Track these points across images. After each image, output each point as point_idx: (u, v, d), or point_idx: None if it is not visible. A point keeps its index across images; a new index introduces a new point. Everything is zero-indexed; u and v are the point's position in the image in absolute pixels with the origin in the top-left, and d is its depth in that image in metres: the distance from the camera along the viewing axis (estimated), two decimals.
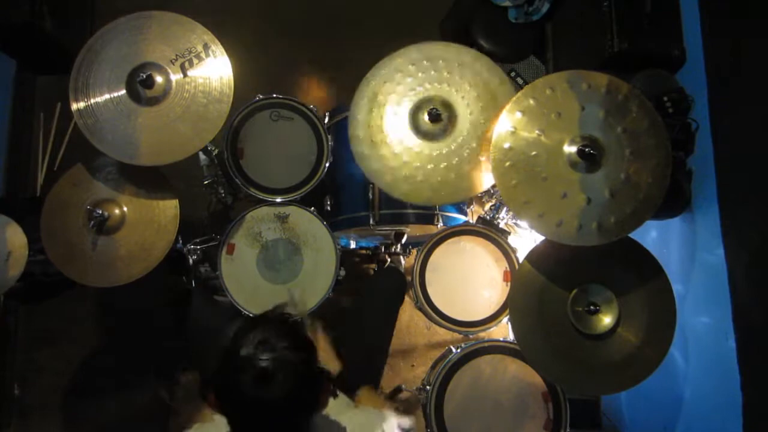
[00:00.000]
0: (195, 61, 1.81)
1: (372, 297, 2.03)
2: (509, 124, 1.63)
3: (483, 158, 1.72)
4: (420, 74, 1.77)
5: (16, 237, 1.89)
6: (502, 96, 1.73)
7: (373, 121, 1.75)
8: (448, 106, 1.75)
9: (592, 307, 1.68)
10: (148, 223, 1.88)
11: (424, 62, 1.77)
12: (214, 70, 1.81)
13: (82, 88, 1.79)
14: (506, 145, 1.62)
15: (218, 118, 1.79)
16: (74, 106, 1.78)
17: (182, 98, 1.80)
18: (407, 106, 1.76)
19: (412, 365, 2.60)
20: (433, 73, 1.77)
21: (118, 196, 1.90)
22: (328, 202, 2.19)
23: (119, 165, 1.89)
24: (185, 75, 1.81)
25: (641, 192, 1.58)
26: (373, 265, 2.62)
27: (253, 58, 2.76)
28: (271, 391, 1.07)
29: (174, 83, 1.80)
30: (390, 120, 1.75)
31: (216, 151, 2.17)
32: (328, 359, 1.69)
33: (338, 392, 1.44)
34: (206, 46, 1.81)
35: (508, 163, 1.61)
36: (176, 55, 1.81)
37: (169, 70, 1.81)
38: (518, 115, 1.63)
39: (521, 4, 2.62)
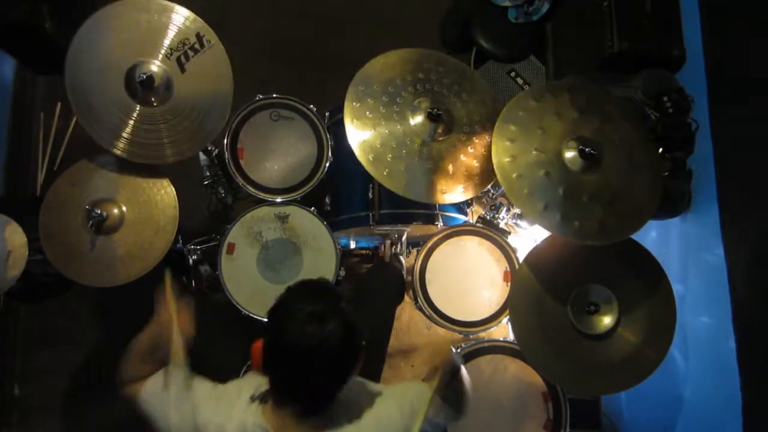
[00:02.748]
0: (190, 53, 1.78)
1: (369, 296, 2.02)
2: (510, 123, 1.64)
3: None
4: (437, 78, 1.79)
5: (16, 237, 1.88)
6: None
7: (371, 97, 1.75)
8: (448, 111, 1.75)
9: (592, 307, 1.68)
10: (147, 223, 1.88)
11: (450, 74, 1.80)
12: (211, 60, 1.80)
13: (80, 87, 1.78)
14: (507, 143, 1.62)
15: (222, 110, 1.79)
16: (74, 108, 1.77)
17: (183, 94, 1.79)
18: (410, 94, 1.76)
19: (412, 365, 2.60)
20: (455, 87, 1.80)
21: (117, 195, 1.89)
22: (328, 202, 2.19)
23: (118, 164, 1.89)
24: (183, 70, 1.79)
25: (641, 193, 1.58)
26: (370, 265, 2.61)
27: (254, 58, 2.76)
28: (322, 335, 1.07)
29: (173, 79, 1.79)
30: (388, 103, 1.75)
31: (216, 151, 2.17)
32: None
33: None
34: (199, 36, 1.78)
35: (514, 175, 1.61)
36: (171, 49, 1.79)
37: (166, 68, 1.79)
38: (520, 113, 1.64)
39: (521, 4, 2.62)
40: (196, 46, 1.78)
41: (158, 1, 1.79)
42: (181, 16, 1.80)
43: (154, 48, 1.79)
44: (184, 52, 1.77)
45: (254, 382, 1.25)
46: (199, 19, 1.81)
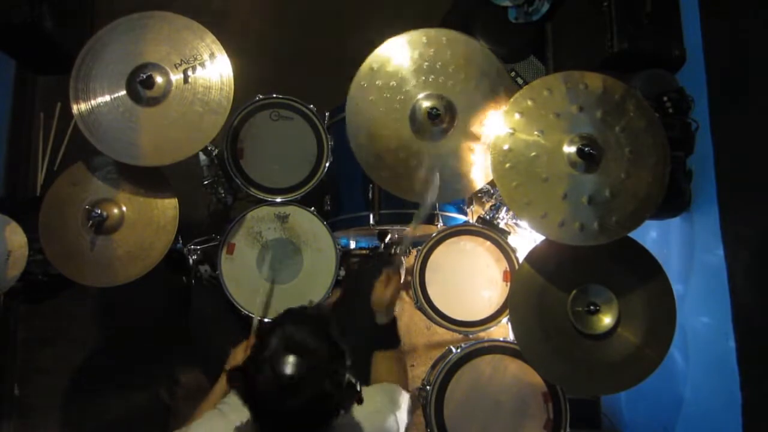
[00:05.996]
0: (199, 68, 1.80)
1: (365, 297, 2.01)
2: (508, 125, 1.64)
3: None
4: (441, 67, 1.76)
5: (16, 237, 1.89)
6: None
7: (375, 95, 1.74)
8: (450, 108, 1.75)
9: (592, 307, 1.68)
10: (147, 223, 1.88)
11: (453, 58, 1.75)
12: (216, 79, 1.81)
13: (84, 78, 1.78)
14: (506, 147, 1.62)
15: (212, 128, 1.78)
16: (73, 101, 1.77)
17: (180, 103, 1.79)
18: (412, 92, 1.75)
19: (412, 365, 2.59)
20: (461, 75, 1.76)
21: (117, 195, 1.89)
22: (328, 202, 2.19)
23: (118, 164, 1.89)
24: (186, 81, 1.80)
25: (642, 191, 1.58)
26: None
27: (253, 58, 2.75)
28: (295, 398, 1.07)
29: (174, 87, 1.80)
30: (389, 101, 1.75)
31: (216, 151, 2.18)
32: (385, 308, 1.65)
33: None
34: (212, 56, 1.81)
35: (508, 165, 1.61)
36: (181, 59, 1.81)
37: (171, 74, 1.80)
38: (517, 116, 1.64)
39: (521, 4, 2.62)
40: (207, 63, 1.80)
41: (183, 18, 1.83)
42: (200, 38, 1.83)
43: (166, 55, 1.81)
44: (193, 66, 1.79)
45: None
46: (217, 42, 1.83)
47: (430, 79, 1.74)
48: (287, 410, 1.09)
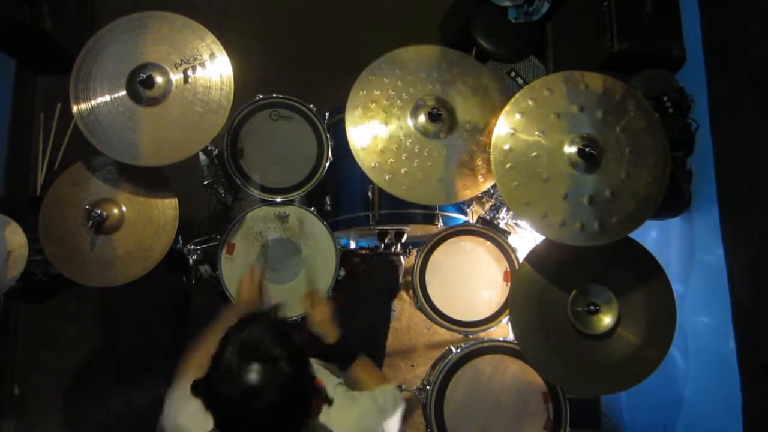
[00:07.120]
0: (199, 68, 1.80)
1: (366, 296, 2.02)
2: (509, 125, 1.64)
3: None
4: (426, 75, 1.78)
5: (16, 237, 1.89)
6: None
7: (372, 104, 1.75)
8: (449, 109, 1.75)
9: (592, 307, 1.68)
10: (147, 223, 1.88)
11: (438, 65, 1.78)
12: (216, 79, 1.81)
13: (84, 78, 1.78)
14: (506, 147, 1.62)
15: (212, 128, 1.78)
16: (73, 101, 1.77)
17: (180, 103, 1.79)
18: (411, 99, 1.76)
19: (412, 365, 2.60)
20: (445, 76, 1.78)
21: (117, 195, 1.89)
22: (328, 202, 2.19)
23: (118, 164, 1.89)
24: (186, 81, 1.80)
25: (642, 191, 1.58)
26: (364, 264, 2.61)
27: (253, 58, 2.76)
28: (257, 405, 1.04)
29: (174, 87, 1.80)
30: (387, 108, 1.76)
31: (216, 151, 2.17)
32: (326, 327, 1.67)
33: (340, 382, 1.46)
34: (212, 56, 1.81)
35: (508, 165, 1.61)
36: (181, 59, 1.81)
37: (171, 74, 1.80)
38: (517, 116, 1.64)
39: (521, 4, 2.62)
40: (207, 63, 1.80)
41: (183, 18, 1.83)
42: (200, 38, 1.83)
43: (166, 55, 1.81)
44: (193, 66, 1.79)
45: None
46: (218, 42, 1.82)
47: (411, 92, 1.77)
48: (251, 418, 1.06)
